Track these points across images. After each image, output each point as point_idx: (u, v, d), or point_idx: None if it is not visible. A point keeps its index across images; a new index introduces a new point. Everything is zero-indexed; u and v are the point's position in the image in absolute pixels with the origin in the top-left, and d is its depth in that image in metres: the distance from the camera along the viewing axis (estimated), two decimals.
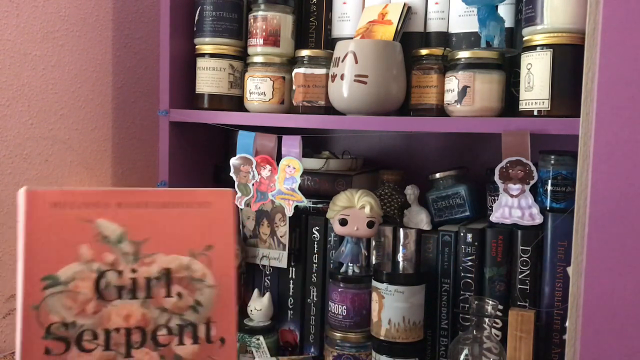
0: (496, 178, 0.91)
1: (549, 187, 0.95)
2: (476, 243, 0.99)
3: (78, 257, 0.64)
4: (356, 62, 0.98)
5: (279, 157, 1.06)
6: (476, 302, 0.91)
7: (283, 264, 1.14)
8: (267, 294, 1.14)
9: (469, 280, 1.00)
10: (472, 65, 0.94)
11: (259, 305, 1.13)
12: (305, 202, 1.06)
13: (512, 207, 0.90)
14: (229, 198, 0.68)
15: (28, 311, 0.64)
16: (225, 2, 1.10)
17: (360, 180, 1.14)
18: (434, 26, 1.04)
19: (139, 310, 0.65)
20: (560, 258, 0.94)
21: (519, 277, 0.97)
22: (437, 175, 1.07)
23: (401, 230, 1.05)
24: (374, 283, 1.02)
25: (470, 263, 1.00)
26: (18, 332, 0.64)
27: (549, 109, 0.88)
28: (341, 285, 1.04)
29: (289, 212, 1.06)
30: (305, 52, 1.07)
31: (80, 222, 0.64)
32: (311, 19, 1.13)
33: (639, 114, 0.64)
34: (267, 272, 1.17)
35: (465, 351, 0.92)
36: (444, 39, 1.03)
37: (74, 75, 1.20)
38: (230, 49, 1.12)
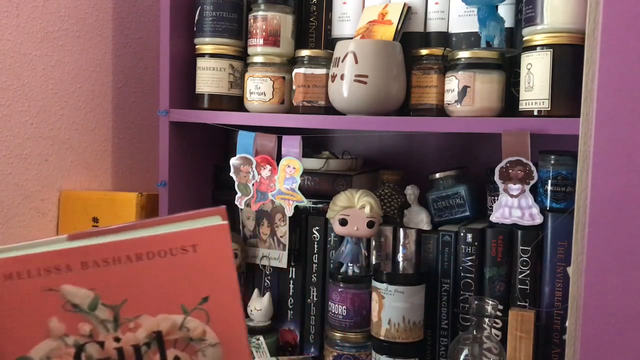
0: (496, 178, 0.91)
1: (549, 187, 0.95)
2: (476, 243, 0.99)
3: (49, 333, 0.54)
4: (356, 62, 0.98)
5: (279, 157, 1.06)
6: (476, 302, 0.91)
7: (283, 264, 1.14)
8: (267, 294, 1.14)
9: (469, 280, 1.00)
10: (472, 65, 0.94)
11: (259, 305, 1.13)
12: (305, 202, 1.06)
13: (512, 207, 0.90)
14: (221, 234, 0.56)
15: None
16: (225, 2, 1.10)
17: (360, 180, 1.14)
18: (434, 26, 1.04)
19: None
20: (560, 258, 0.94)
21: (519, 277, 0.97)
22: (437, 175, 1.07)
23: (401, 230, 1.05)
24: (374, 283, 1.02)
25: (470, 263, 1.00)
26: None
27: (549, 109, 0.88)
28: (341, 285, 1.04)
29: (289, 212, 1.06)
30: (305, 52, 1.07)
31: (43, 292, 0.53)
32: (311, 19, 1.13)
33: (639, 114, 0.64)
34: (267, 272, 1.17)
35: (465, 351, 0.92)
36: (444, 39, 1.03)
37: (74, 75, 1.20)
38: (230, 49, 1.12)
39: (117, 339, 0.55)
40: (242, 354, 0.57)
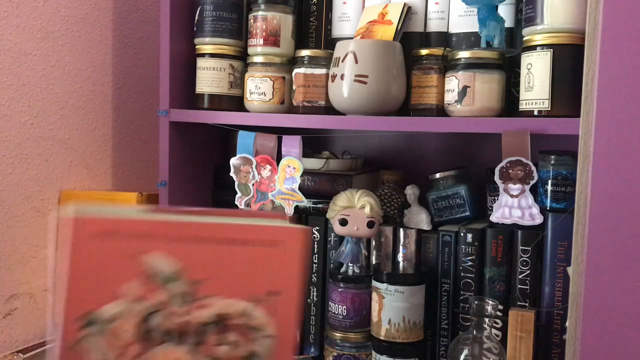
0: (496, 178, 0.91)
1: (549, 187, 0.95)
2: (476, 243, 0.99)
3: (123, 295, 0.56)
4: (356, 62, 0.98)
5: (279, 157, 1.06)
6: (476, 302, 0.91)
7: None
8: None
9: (469, 280, 1.00)
10: (472, 65, 0.94)
11: None
12: (305, 202, 1.06)
13: (512, 207, 0.90)
14: (302, 237, 0.59)
15: (65, 351, 0.56)
16: (225, 2, 1.10)
17: (360, 180, 1.14)
18: (434, 26, 1.04)
19: (186, 358, 0.57)
20: (560, 258, 0.94)
21: (519, 277, 0.97)
22: (437, 175, 1.07)
23: (401, 230, 1.05)
24: (374, 283, 1.02)
25: (470, 263, 1.00)
26: None
27: (549, 109, 0.88)
28: (341, 285, 1.04)
29: (289, 212, 1.06)
30: (305, 52, 1.07)
31: (130, 256, 0.56)
32: (311, 19, 1.13)
33: (639, 114, 0.64)
34: None
35: (465, 351, 0.92)
36: (444, 39, 1.03)
37: (74, 75, 1.20)
38: (230, 49, 1.11)
39: (185, 314, 0.57)
40: (290, 351, 0.59)
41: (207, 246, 0.57)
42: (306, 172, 1.11)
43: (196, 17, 1.12)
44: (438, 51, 0.99)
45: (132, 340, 0.56)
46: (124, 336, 0.56)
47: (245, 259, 0.58)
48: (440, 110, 0.99)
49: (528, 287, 0.96)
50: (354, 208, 1.02)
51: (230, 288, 0.58)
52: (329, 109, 1.05)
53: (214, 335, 0.58)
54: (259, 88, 1.08)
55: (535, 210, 0.90)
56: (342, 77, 0.99)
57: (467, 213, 1.04)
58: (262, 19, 1.08)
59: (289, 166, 1.05)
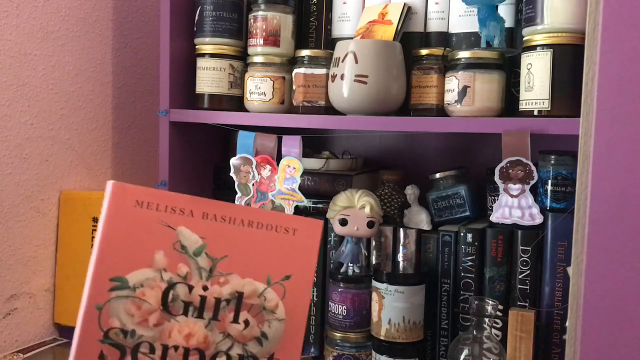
0: (496, 178, 0.91)
1: (549, 187, 0.95)
2: (476, 243, 0.99)
3: (152, 263, 0.59)
4: (356, 62, 0.98)
5: (279, 157, 1.06)
6: (476, 302, 0.91)
7: None
8: None
9: (469, 280, 1.00)
10: (472, 65, 0.94)
11: None
12: (305, 202, 1.06)
13: (512, 207, 0.90)
14: (318, 229, 0.63)
15: (91, 310, 0.59)
16: (225, 2, 1.10)
17: (360, 180, 1.14)
18: (434, 26, 1.04)
19: (202, 332, 0.60)
20: (560, 258, 0.94)
21: (519, 277, 0.97)
22: (437, 175, 1.07)
23: (401, 230, 1.05)
24: (374, 283, 1.02)
25: (470, 263, 1.00)
26: (77, 329, 0.59)
27: (549, 109, 0.88)
28: (341, 285, 1.04)
29: (289, 212, 1.06)
30: (305, 52, 1.07)
31: (162, 226, 0.60)
32: (311, 19, 1.13)
33: (639, 114, 0.64)
34: None
35: (465, 351, 0.92)
36: (444, 39, 1.03)
37: (74, 75, 1.20)
38: (230, 49, 1.12)
39: (205, 288, 0.60)
40: (299, 335, 0.64)
41: (232, 226, 0.61)
42: (306, 172, 1.11)
43: (196, 17, 1.12)
44: (438, 51, 0.99)
45: (155, 307, 0.59)
46: (149, 302, 0.59)
47: (264, 241, 0.62)
48: (440, 110, 0.99)
49: (528, 287, 0.96)
50: (354, 208, 1.02)
51: (249, 267, 0.61)
52: (329, 109, 1.05)
53: (229, 313, 0.61)
54: (259, 88, 1.08)
55: (535, 210, 0.90)
56: (342, 77, 0.99)
57: (467, 213, 1.04)
58: (262, 19, 1.08)
59: (289, 166, 1.05)
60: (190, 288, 0.60)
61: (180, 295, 0.60)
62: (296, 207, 1.07)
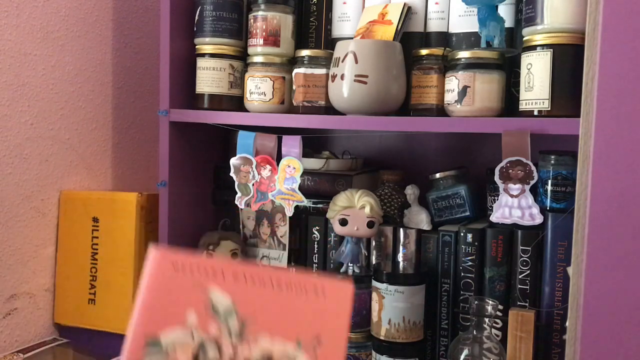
0: (496, 178, 0.91)
1: (549, 187, 0.95)
2: (476, 243, 0.99)
3: (184, 322, 0.60)
4: (356, 62, 0.98)
5: (279, 157, 1.06)
6: (476, 302, 0.91)
7: (283, 264, 1.14)
8: None
9: (469, 280, 1.00)
10: (472, 65, 0.94)
11: None
12: (305, 202, 1.06)
13: (512, 207, 0.90)
14: (349, 292, 0.63)
15: None
16: (225, 2, 1.10)
17: (360, 180, 1.14)
18: (434, 26, 1.04)
19: None
20: (560, 258, 0.94)
21: (519, 277, 0.97)
22: (437, 175, 1.07)
23: (401, 230, 1.05)
24: (374, 283, 1.02)
25: (470, 263, 1.00)
26: None
27: (549, 109, 0.88)
28: None
29: (289, 212, 1.06)
30: (305, 52, 1.07)
31: (195, 287, 0.61)
32: (311, 19, 1.13)
33: (639, 114, 0.64)
34: None
35: (465, 351, 0.92)
36: (444, 39, 1.03)
37: (74, 75, 1.20)
38: (230, 49, 1.11)
39: (235, 348, 0.61)
40: None
41: (263, 289, 0.62)
42: (306, 172, 1.11)
43: (196, 17, 1.12)
44: (438, 51, 0.99)
45: None
46: None
47: (295, 303, 0.62)
48: (440, 110, 0.99)
49: (528, 287, 0.96)
50: (354, 208, 1.02)
51: (278, 328, 0.61)
52: (329, 109, 1.05)
53: None
54: (259, 88, 1.08)
55: (535, 210, 0.90)
56: (342, 77, 0.99)
57: (467, 213, 1.04)
58: (262, 19, 1.08)
59: (289, 166, 1.05)
60: (220, 349, 0.61)
61: (210, 356, 0.60)
62: (296, 207, 1.07)
